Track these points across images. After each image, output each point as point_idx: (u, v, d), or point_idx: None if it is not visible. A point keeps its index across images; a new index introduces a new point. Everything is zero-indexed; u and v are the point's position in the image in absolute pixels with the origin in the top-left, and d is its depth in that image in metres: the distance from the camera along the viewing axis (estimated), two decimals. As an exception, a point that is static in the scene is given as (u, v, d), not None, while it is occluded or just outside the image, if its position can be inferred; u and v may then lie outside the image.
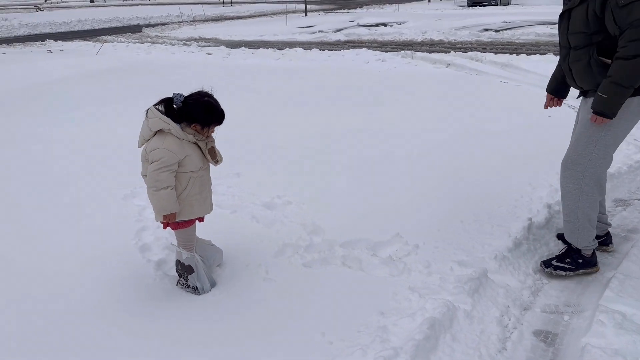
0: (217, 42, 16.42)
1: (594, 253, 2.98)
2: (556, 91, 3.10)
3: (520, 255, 3.09)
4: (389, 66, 9.59)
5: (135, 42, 16.96)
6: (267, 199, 3.72)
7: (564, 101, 3.18)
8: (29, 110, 6.54)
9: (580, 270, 2.95)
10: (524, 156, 4.51)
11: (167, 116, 2.44)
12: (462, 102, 6.52)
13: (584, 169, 2.80)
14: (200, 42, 16.58)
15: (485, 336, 2.40)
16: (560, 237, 3.32)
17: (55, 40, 18.44)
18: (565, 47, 2.78)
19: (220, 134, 2.65)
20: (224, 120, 2.54)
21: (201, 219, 2.73)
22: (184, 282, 2.69)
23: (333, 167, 4.40)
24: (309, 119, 5.86)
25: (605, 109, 2.59)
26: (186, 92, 2.51)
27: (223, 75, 9.01)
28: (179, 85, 7.99)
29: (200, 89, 2.53)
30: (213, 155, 2.62)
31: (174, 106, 2.45)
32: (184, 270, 2.66)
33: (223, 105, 2.52)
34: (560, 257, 3.02)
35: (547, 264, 3.02)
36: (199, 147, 2.55)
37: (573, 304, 2.72)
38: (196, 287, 2.66)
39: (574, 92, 2.97)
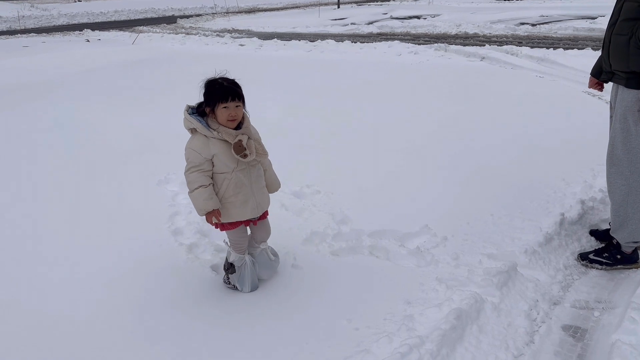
0: (249, 34, 16.54)
1: (635, 250, 2.93)
2: (599, 74, 3.02)
3: (551, 250, 3.04)
4: (422, 59, 9.49)
5: (170, 33, 17.22)
6: (296, 188, 3.75)
7: (602, 95, 3.13)
8: (68, 95, 6.73)
9: (619, 266, 2.90)
10: (558, 151, 4.43)
11: (198, 108, 2.39)
12: (496, 97, 6.42)
13: (630, 165, 2.75)
14: (233, 34, 16.72)
15: (513, 329, 2.39)
16: (594, 233, 3.26)
17: (93, 30, 18.88)
18: (615, 16, 2.69)
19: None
20: (237, 97, 2.33)
21: (247, 223, 2.56)
22: (226, 279, 2.67)
23: (362, 158, 4.41)
24: (339, 111, 5.87)
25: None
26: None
27: (255, 66, 9.08)
28: (210, 75, 8.10)
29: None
30: (238, 150, 2.35)
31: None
32: (228, 269, 2.64)
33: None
34: (598, 252, 2.98)
35: (583, 256, 2.98)
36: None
37: (604, 300, 2.67)
38: (235, 286, 2.63)
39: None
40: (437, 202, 3.58)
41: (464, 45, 11.21)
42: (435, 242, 3.08)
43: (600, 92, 3.15)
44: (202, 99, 2.38)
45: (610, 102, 2.94)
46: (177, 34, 16.85)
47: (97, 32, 18.14)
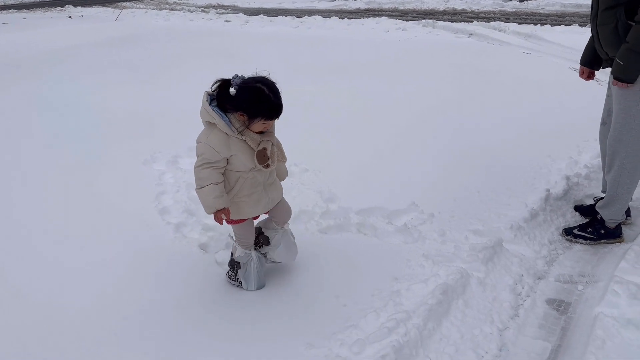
0: (235, 10, 16.25)
1: (618, 225, 2.98)
2: (589, 63, 3.00)
3: (536, 225, 3.08)
4: (410, 35, 9.42)
5: (153, 9, 16.87)
6: (284, 166, 3.73)
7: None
8: (50, 75, 6.59)
9: (602, 241, 2.95)
10: (544, 128, 4.45)
11: (220, 99, 2.15)
12: (483, 73, 6.41)
13: (627, 146, 2.77)
14: (218, 9, 16.43)
15: (498, 303, 2.43)
16: (578, 208, 3.30)
17: (75, 6, 18.42)
18: (595, 8, 2.71)
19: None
20: (277, 114, 2.16)
21: (256, 217, 2.47)
22: (232, 274, 2.51)
23: (350, 136, 4.39)
24: (326, 89, 5.82)
25: (622, 75, 2.57)
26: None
27: (241, 43, 8.95)
28: (196, 52, 7.98)
29: (260, 73, 2.17)
30: (262, 159, 2.21)
31: (231, 90, 2.11)
32: (233, 264, 2.50)
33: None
34: (582, 227, 3.02)
35: (568, 231, 3.03)
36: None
37: (588, 274, 2.72)
38: (241, 282, 2.49)
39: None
40: (425, 180, 3.59)
41: (452, 21, 11.14)
42: (422, 219, 3.10)
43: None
44: (220, 92, 2.15)
45: (609, 82, 2.94)
46: (161, 9, 16.52)
47: (79, 8, 17.70)
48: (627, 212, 3.12)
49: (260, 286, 2.49)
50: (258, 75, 2.16)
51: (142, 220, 3.04)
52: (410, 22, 10.77)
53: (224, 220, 2.26)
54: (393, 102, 5.33)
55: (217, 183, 2.20)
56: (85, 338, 2.18)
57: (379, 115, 4.93)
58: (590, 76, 3.06)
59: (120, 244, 2.82)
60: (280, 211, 2.51)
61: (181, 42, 9.08)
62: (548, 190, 3.37)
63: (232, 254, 2.51)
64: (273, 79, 2.16)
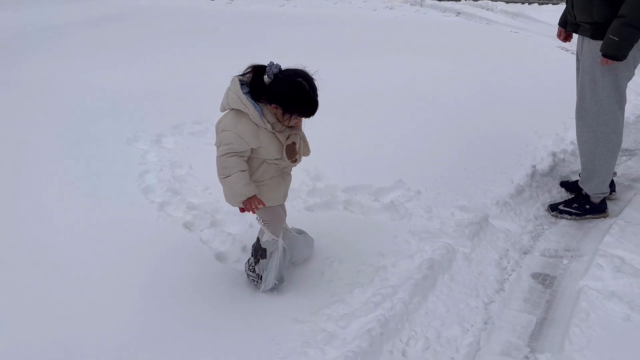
0: (220, -11, 15.96)
1: (603, 200, 2.99)
2: (566, 23, 2.96)
3: (522, 201, 3.09)
4: (397, 14, 9.33)
5: (137, -11, 16.50)
6: (270, 145, 3.69)
7: (569, 48, 3.11)
8: (28, 54, 6.44)
9: (587, 216, 2.97)
10: (531, 106, 4.45)
11: (253, 88, 2.06)
12: (470, 51, 6.37)
13: (597, 117, 2.76)
14: (203, -11, 16.12)
15: (484, 277, 2.44)
16: (564, 184, 3.32)
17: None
18: None
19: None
20: (314, 113, 2.12)
21: None
22: (252, 265, 2.32)
23: (336, 114, 4.35)
24: (313, 67, 5.75)
25: (617, 52, 2.52)
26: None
27: (226, 22, 8.81)
28: (180, 31, 7.84)
29: (301, 67, 2.11)
30: (291, 154, 2.16)
31: (265, 78, 2.05)
32: (258, 251, 2.30)
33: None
34: (567, 202, 3.04)
35: (553, 207, 3.04)
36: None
37: (573, 248, 2.74)
38: (260, 276, 2.27)
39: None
40: (412, 157, 3.57)
41: (440, 0, 11.04)
42: (409, 196, 3.09)
43: (573, 47, 3.12)
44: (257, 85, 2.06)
45: (577, 54, 2.93)
46: (144, -11, 16.17)
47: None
48: (612, 187, 3.14)
49: (280, 281, 2.31)
50: (296, 67, 2.09)
51: (125, 199, 2.99)
52: (397, 1, 10.65)
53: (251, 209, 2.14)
54: (380, 80, 5.29)
55: (243, 171, 2.08)
56: (67, 317, 2.15)
57: (366, 93, 4.88)
58: (567, 38, 3.04)
59: (104, 223, 2.78)
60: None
61: (165, 21, 8.91)
62: (534, 166, 3.38)
63: (258, 239, 2.33)
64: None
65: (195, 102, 4.35)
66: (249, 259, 2.35)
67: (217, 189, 2.57)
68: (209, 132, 3.84)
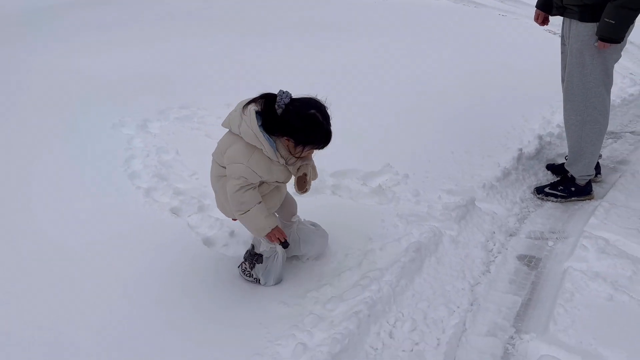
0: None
1: (589, 182, 3.01)
2: (544, 6, 2.92)
3: (508, 184, 3.11)
4: (385, -2, 9.26)
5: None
6: (257, 129, 3.67)
7: (557, 31, 3.07)
8: (20, 39, 6.32)
9: (573, 198, 2.99)
10: (519, 89, 4.45)
11: (266, 121, 1.97)
12: (457, 34, 6.35)
13: (585, 100, 2.77)
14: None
15: (470, 260, 2.46)
16: (550, 167, 3.34)
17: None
18: None
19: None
20: (328, 144, 2.04)
21: None
22: (247, 269, 2.30)
23: (325, 98, 4.33)
24: (297, 51, 5.71)
25: (613, 35, 2.52)
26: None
27: (213, 5, 8.69)
28: (165, 15, 7.71)
29: (311, 95, 2.03)
30: (301, 186, 2.17)
31: (276, 107, 1.96)
32: (253, 257, 2.27)
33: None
34: (553, 185, 3.06)
35: (539, 190, 3.07)
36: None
37: (558, 230, 2.77)
38: (258, 279, 2.27)
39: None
40: (399, 141, 3.57)
41: (428, -16, 10.96)
42: (396, 180, 3.10)
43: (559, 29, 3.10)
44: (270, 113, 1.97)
45: (563, 36, 2.92)
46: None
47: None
48: (598, 170, 3.16)
49: (278, 281, 2.30)
50: (306, 96, 2.02)
51: (111, 184, 2.97)
52: (386, -15, 10.56)
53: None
54: (368, 63, 5.26)
55: (260, 202, 2.06)
56: (55, 305, 2.14)
57: (353, 77, 4.86)
58: (545, 21, 2.99)
59: (90, 210, 2.75)
60: (285, 204, 2.37)
61: (150, 4, 8.77)
62: (520, 149, 3.40)
63: (252, 246, 2.31)
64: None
65: (182, 87, 4.31)
66: (242, 263, 2.32)
67: (204, 174, 2.57)
68: (196, 116, 3.81)
